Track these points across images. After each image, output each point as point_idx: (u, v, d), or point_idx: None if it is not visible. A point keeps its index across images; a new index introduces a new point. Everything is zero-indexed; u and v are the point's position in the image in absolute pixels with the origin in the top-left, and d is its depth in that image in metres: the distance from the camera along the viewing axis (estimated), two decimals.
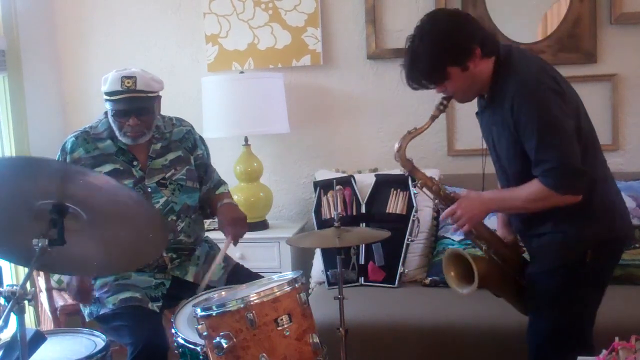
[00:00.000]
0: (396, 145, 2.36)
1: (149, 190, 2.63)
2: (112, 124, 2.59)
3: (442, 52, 2.14)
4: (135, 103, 2.53)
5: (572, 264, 2.21)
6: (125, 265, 2.22)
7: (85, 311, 2.62)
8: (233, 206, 2.71)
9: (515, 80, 2.13)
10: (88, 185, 1.85)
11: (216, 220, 2.96)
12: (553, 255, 2.24)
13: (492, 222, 2.55)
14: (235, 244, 2.62)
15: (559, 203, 2.12)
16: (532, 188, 2.14)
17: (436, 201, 2.38)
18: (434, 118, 2.30)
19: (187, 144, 2.76)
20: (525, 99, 2.10)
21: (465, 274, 2.32)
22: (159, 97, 2.64)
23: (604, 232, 2.21)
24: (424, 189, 2.37)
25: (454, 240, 3.22)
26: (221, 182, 2.85)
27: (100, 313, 2.54)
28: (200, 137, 2.84)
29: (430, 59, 2.15)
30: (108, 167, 2.60)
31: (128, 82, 2.51)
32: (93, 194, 1.87)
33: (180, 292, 2.60)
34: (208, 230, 3.39)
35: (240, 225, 2.61)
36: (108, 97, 2.54)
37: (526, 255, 2.42)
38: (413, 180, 2.39)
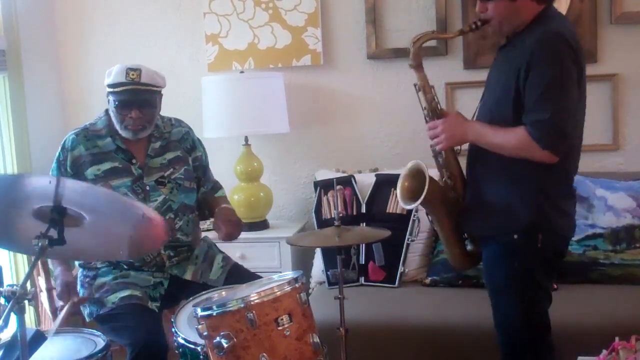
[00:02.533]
0: (414, 37, 2.32)
1: (147, 188, 2.63)
2: (114, 117, 2.60)
3: None
4: (139, 95, 2.55)
5: (525, 247, 2.23)
6: (125, 254, 2.23)
7: (85, 311, 2.62)
8: (230, 210, 2.74)
9: (544, 31, 2.15)
10: (80, 192, 1.86)
11: (212, 220, 3.00)
12: (503, 223, 2.26)
13: None
14: (225, 240, 2.64)
15: (534, 157, 2.15)
16: (516, 133, 2.16)
17: (425, 110, 2.39)
18: (462, 32, 2.32)
19: (186, 144, 2.77)
20: (545, 49, 2.12)
21: (417, 190, 2.32)
22: (161, 94, 2.66)
23: (554, 219, 2.23)
24: (420, 93, 2.37)
25: None
26: (218, 186, 2.86)
27: (101, 313, 2.54)
28: (199, 140, 2.84)
29: None
30: (107, 165, 2.61)
31: (133, 74, 2.52)
32: (87, 197, 1.89)
33: (178, 292, 2.61)
34: (208, 230, 3.40)
35: (234, 225, 2.63)
36: (111, 89, 2.55)
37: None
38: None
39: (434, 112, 2.37)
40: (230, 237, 2.62)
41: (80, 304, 2.58)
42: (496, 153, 2.23)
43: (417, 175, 2.36)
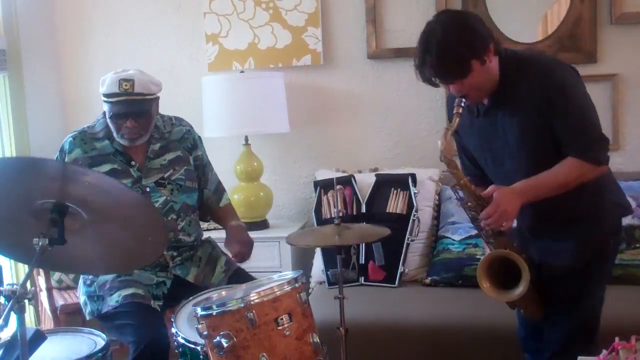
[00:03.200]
0: (440, 143, 2.22)
1: (148, 190, 2.63)
2: (110, 125, 2.59)
3: (467, 45, 2.13)
4: (133, 106, 2.53)
5: (592, 259, 2.24)
6: (126, 265, 2.22)
7: (87, 310, 2.62)
8: (241, 228, 2.74)
9: (538, 73, 2.16)
10: (89, 185, 1.85)
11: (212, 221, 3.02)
12: (571, 253, 2.24)
13: None
14: (238, 261, 2.67)
15: (591, 177, 2.18)
16: (567, 165, 2.16)
17: (469, 204, 2.27)
18: (460, 115, 2.20)
19: (187, 144, 2.76)
20: (559, 85, 2.13)
21: (504, 279, 2.23)
22: (157, 99, 2.64)
23: (617, 211, 2.30)
24: (461, 191, 2.27)
25: (454, 240, 3.23)
26: (222, 190, 2.85)
27: (103, 311, 2.53)
28: (199, 138, 2.84)
29: (457, 51, 2.12)
30: (106, 167, 2.60)
31: (126, 85, 2.50)
32: (93, 193, 1.87)
33: (180, 292, 2.60)
34: (208, 230, 3.40)
35: (247, 247, 2.66)
36: (106, 99, 2.54)
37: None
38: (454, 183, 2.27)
39: (480, 202, 2.23)
40: (242, 257, 2.65)
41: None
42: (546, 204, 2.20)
43: (494, 262, 2.25)
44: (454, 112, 2.19)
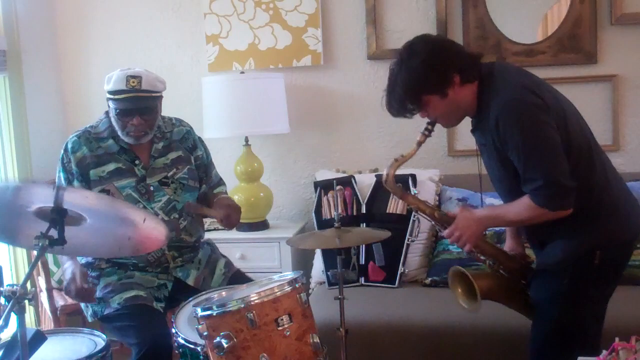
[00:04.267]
0: (384, 173, 2.36)
1: (152, 188, 2.63)
2: (115, 123, 2.59)
3: (417, 82, 2.16)
4: (140, 103, 2.53)
5: (579, 265, 2.20)
6: (128, 252, 2.24)
7: (88, 312, 2.61)
8: (228, 198, 2.79)
9: (496, 102, 2.13)
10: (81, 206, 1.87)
11: (215, 220, 3.01)
12: (560, 257, 2.23)
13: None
14: (226, 226, 2.64)
15: (550, 218, 2.14)
16: (523, 205, 2.15)
17: (432, 222, 2.40)
18: (420, 144, 2.29)
19: (187, 144, 2.77)
20: (508, 121, 2.10)
21: (471, 289, 2.32)
22: (161, 97, 2.65)
23: (610, 235, 2.21)
24: (419, 213, 2.39)
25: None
26: (220, 183, 2.86)
27: (105, 313, 2.53)
28: (200, 138, 2.84)
29: (405, 88, 2.17)
30: (111, 166, 2.61)
31: (133, 82, 2.51)
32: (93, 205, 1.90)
33: (181, 295, 2.60)
34: (208, 231, 3.41)
35: (234, 210, 2.64)
36: (112, 96, 2.54)
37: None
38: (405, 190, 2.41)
39: (441, 222, 2.35)
40: (229, 219, 2.61)
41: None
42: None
43: (461, 278, 2.35)
44: (417, 139, 2.27)
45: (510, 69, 2.31)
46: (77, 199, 1.88)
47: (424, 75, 2.15)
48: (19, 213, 1.90)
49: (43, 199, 1.85)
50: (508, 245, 2.48)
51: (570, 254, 2.21)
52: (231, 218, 2.62)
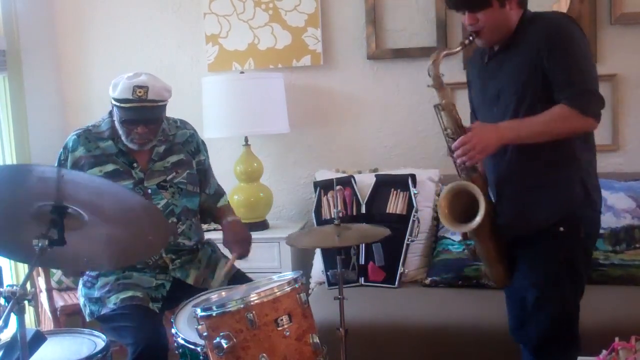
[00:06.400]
0: (430, 60, 2.30)
1: (149, 192, 2.62)
2: (119, 130, 2.58)
3: None
4: (146, 113, 2.52)
5: (569, 239, 2.23)
6: (126, 260, 2.24)
7: (86, 311, 2.62)
8: (239, 224, 2.74)
9: (547, 21, 2.24)
10: (85, 188, 1.86)
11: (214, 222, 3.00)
12: (546, 215, 2.25)
13: None
14: (240, 258, 2.67)
15: (578, 128, 2.18)
16: (555, 110, 2.16)
17: (447, 131, 2.30)
18: (463, 45, 2.31)
19: (190, 147, 2.76)
20: (562, 30, 2.20)
21: (461, 211, 2.25)
22: (166, 104, 2.64)
23: (592, 205, 2.27)
24: (442, 113, 2.30)
25: (454, 240, 3.23)
26: (221, 192, 2.85)
27: (102, 313, 2.53)
28: (203, 142, 2.83)
29: None
30: (109, 167, 2.60)
31: (140, 92, 2.48)
32: (94, 195, 1.88)
33: (180, 294, 2.59)
34: (208, 231, 3.40)
35: (246, 244, 2.67)
36: (117, 104, 2.52)
37: None
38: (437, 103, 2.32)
39: (459, 130, 2.27)
40: (243, 256, 2.67)
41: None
42: (531, 150, 2.21)
43: (459, 194, 2.26)
44: (460, 41, 2.32)
45: None
46: (78, 185, 1.86)
47: None
48: (16, 215, 1.90)
49: (43, 188, 1.84)
50: None
51: (556, 211, 2.23)
52: (245, 252, 2.68)
